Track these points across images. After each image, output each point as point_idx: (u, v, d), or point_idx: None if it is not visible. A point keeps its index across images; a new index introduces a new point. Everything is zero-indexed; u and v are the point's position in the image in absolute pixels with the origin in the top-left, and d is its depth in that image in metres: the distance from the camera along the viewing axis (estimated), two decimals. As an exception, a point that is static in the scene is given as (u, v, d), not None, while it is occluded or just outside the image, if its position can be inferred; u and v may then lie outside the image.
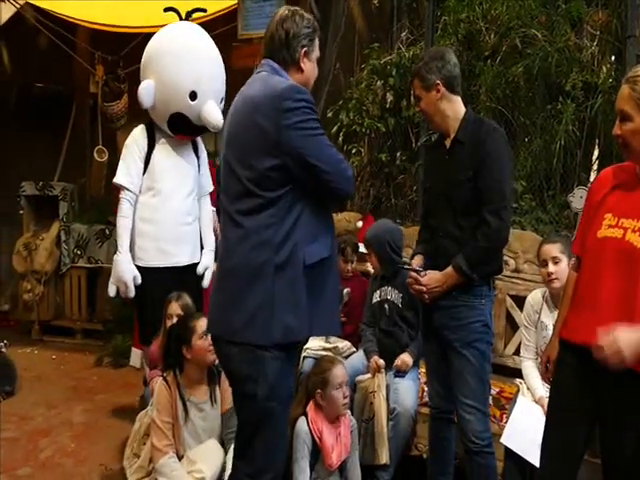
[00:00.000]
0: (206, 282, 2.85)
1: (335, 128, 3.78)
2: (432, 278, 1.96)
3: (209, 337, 2.10)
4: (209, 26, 4.26)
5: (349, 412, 2.31)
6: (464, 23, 3.61)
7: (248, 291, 1.53)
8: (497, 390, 2.42)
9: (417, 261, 2.11)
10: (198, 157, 2.88)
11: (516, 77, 3.24)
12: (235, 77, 3.94)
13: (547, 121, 3.12)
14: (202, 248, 2.92)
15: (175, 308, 2.53)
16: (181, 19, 2.93)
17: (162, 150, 2.73)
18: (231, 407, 2.13)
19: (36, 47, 4.71)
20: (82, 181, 4.91)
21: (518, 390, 2.37)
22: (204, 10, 3.10)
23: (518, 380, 2.42)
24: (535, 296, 2.37)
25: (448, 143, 2.01)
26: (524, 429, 2.12)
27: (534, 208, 3.05)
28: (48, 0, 4.22)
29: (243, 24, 3.67)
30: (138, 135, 2.74)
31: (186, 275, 2.77)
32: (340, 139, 3.75)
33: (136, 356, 3.27)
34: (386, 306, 2.66)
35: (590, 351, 1.44)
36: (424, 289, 1.97)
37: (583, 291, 1.56)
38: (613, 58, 3.11)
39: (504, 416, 2.32)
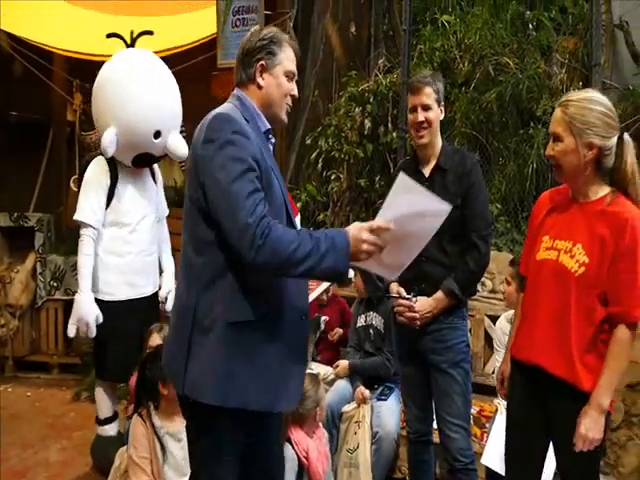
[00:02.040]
0: (169, 305, 2.92)
1: (314, 154, 4.00)
2: (424, 304, 2.04)
3: None
4: (189, 54, 4.49)
5: (320, 424, 2.45)
6: (439, 51, 3.90)
7: (173, 335, 1.53)
8: (477, 409, 2.58)
9: (395, 289, 2.16)
10: (156, 182, 2.98)
11: (489, 103, 3.51)
12: (215, 105, 4.16)
13: (520, 145, 3.38)
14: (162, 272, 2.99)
15: (157, 339, 2.59)
16: (127, 46, 2.90)
17: (125, 182, 2.78)
18: None
19: (12, 75, 4.87)
20: (59, 210, 5.02)
21: (497, 409, 2.53)
22: (151, 32, 3.01)
23: (497, 400, 2.58)
24: (502, 319, 2.57)
25: (427, 170, 2.12)
26: (503, 448, 2.26)
27: (509, 230, 3.28)
28: (24, 28, 4.39)
29: (223, 53, 3.85)
30: (99, 169, 2.75)
31: (149, 303, 2.87)
32: (319, 165, 3.97)
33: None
34: (371, 331, 2.82)
35: (534, 368, 1.61)
36: (417, 316, 2.04)
37: (526, 311, 1.71)
38: (581, 84, 3.38)
39: (484, 435, 2.47)
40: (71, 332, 2.76)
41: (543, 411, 1.64)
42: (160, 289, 2.97)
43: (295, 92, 1.61)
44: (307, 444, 2.30)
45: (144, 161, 2.82)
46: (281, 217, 1.50)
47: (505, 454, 1.77)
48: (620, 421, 2.42)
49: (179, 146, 2.80)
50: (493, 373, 2.86)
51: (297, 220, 1.67)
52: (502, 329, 2.56)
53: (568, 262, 1.56)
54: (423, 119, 2.06)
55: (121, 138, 2.66)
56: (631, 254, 1.49)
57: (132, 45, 2.92)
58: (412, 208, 1.39)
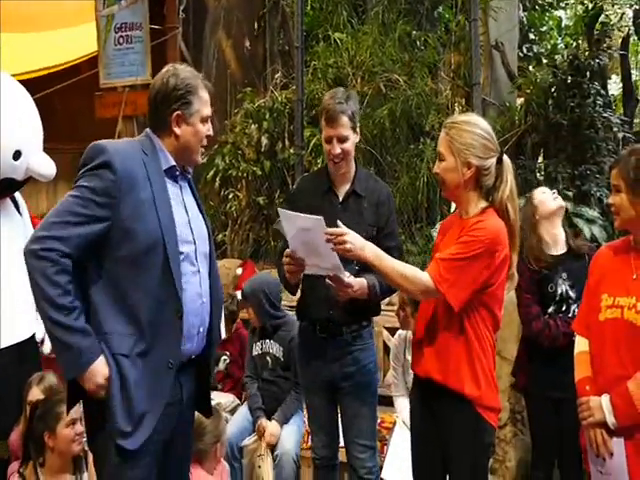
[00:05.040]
0: (47, 348, 2.71)
1: (211, 173, 4.06)
2: (353, 280, 1.92)
3: (76, 426, 2.13)
4: (74, 71, 4.38)
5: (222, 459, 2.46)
6: (332, 68, 4.12)
7: None
8: (378, 421, 2.70)
9: None
10: (21, 214, 2.77)
11: (382, 119, 3.75)
12: (99, 127, 4.09)
13: (411, 159, 3.64)
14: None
15: (37, 394, 2.42)
16: None
17: None
18: None
19: None
20: None
21: (395, 422, 2.68)
22: None
23: (395, 413, 2.74)
24: (397, 338, 2.74)
25: (341, 193, 2.11)
26: (402, 459, 2.34)
27: (404, 241, 3.49)
28: None
29: (105, 72, 3.74)
30: None
31: (26, 347, 2.63)
32: (217, 184, 4.03)
33: None
34: (268, 359, 2.86)
35: (424, 380, 1.77)
36: (352, 284, 1.91)
37: (415, 326, 1.90)
38: (464, 101, 3.72)
39: (385, 447, 2.59)
40: None
41: (435, 421, 1.78)
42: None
43: (210, 132, 1.66)
44: (209, 484, 2.30)
45: (4, 188, 2.59)
46: (150, 258, 1.52)
47: (412, 461, 1.90)
48: (506, 419, 2.67)
49: (43, 165, 2.60)
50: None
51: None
52: (397, 346, 2.71)
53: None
54: (340, 151, 2.00)
55: None
56: (458, 242, 1.68)
57: None
58: (301, 228, 1.77)
